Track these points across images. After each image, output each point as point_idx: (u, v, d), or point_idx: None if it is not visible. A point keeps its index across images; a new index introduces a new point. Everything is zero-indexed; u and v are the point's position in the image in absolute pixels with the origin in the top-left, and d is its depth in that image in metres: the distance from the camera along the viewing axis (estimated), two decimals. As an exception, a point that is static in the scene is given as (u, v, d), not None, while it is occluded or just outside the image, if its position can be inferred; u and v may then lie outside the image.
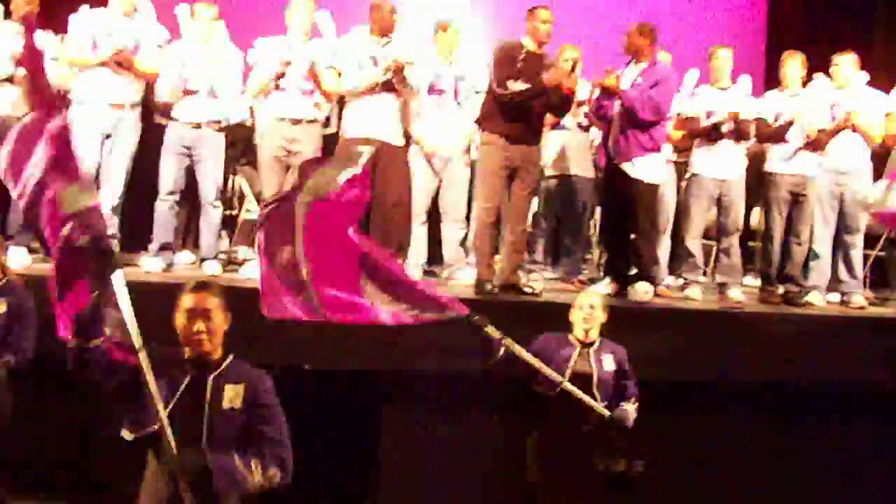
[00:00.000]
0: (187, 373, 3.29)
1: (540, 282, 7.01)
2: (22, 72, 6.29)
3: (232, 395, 3.27)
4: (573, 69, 6.25)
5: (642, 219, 6.57)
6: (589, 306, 4.97)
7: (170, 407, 3.19)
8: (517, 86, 6.16)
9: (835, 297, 7.21)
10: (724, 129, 6.85)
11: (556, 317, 5.15)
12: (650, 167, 6.51)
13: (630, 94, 6.38)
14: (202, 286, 3.37)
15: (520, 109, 6.22)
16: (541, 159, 6.70)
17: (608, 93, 6.47)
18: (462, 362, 5.20)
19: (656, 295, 6.64)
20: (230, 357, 3.38)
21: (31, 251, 6.44)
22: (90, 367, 3.19)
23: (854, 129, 6.90)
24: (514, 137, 6.25)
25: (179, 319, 3.30)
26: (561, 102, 6.37)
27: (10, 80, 6.40)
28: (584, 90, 7.00)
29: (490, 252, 6.37)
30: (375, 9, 6.62)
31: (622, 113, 6.44)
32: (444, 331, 5.70)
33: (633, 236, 6.67)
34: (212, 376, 3.29)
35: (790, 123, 6.89)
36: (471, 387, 5.63)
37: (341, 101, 6.78)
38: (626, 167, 6.45)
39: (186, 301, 3.30)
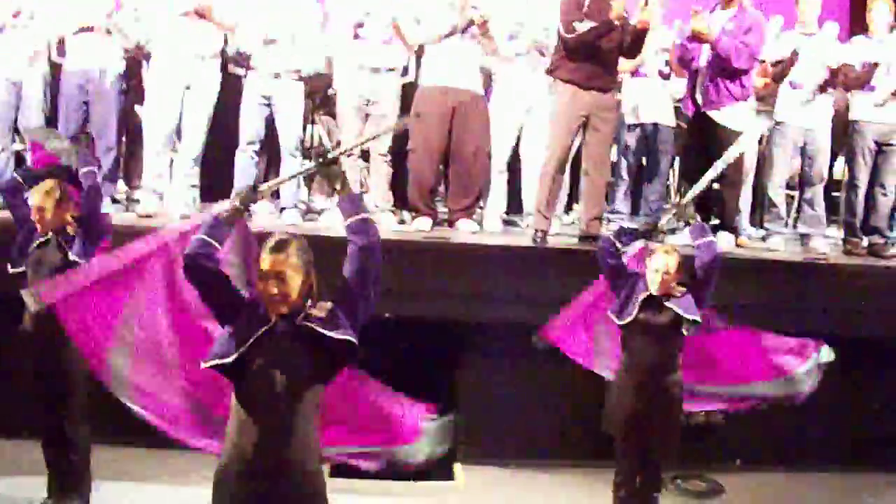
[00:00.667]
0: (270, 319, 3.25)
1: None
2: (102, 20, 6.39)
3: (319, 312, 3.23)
4: (646, 2, 6.01)
5: (730, 168, 6.47)
6: (664, 272, 4.55)
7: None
8: (583, 26, 6.05)
9: (923, 249, 7.04)
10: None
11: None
12: (739, 115, 6.42)
13: (725, 42, 6.26)
14: (278, 247, 3.18)
15: (590, 53, 6.09)
16: (617, 107, 6.56)
17: (697, 39, 6.34)
18: (536, 314, 5.20)
19: (737, 245, 6.55)
20: (309, 303, 3.23)
21: (115, 202, 6.57)
22: None
23: None
24: (585, 84, 6.15)
25: (256, 276, 3.21)
26: (633, 41, 6.16)
27: (89, 30, 6.45)
28: (665, 37, 6.90)
29: (549, 202, 6.25)
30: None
31: (712, 61, 6.33)
32: (521, 283, 5.80)
33: (716, 185, 6.57)
34: (296, 321, 3.23)
35: (875, 66, 6.71)
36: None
37: (419, 50, 6.74)
38: (716, 115, 6.36)
39: (263, 262, 3.17)
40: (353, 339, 3.14)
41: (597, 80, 6.17)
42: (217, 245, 3.29)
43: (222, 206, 3.36)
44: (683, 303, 4.56)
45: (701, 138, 6.55)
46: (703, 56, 6.53)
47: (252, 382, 3.12)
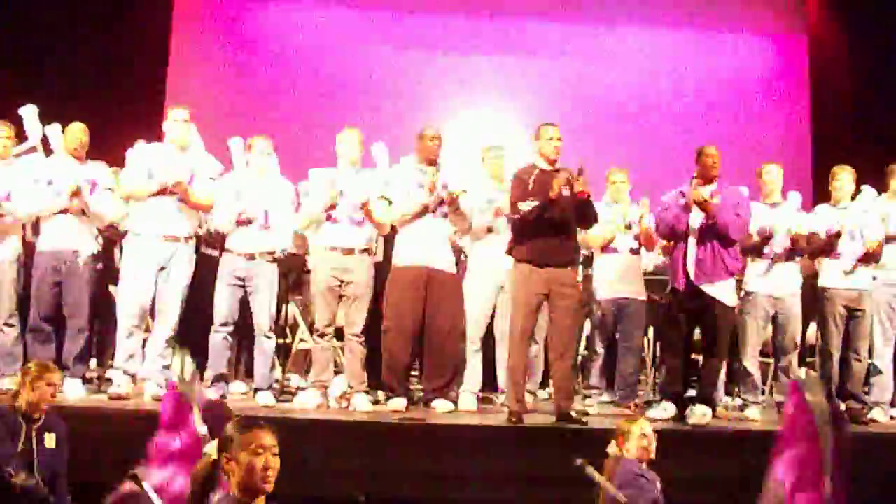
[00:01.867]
0: None
1: (595, 406, 6.94)
2: (75, 203, 6.45)
3: None
4: (580, 173, 6.13)
5: (721, 342, 6.50)
6: (649, 435, 4.77)
7: None
8: (526, 205, 6.15)
9: (899, 412, 7.03)
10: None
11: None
12: (729, 289, 6.50)
13: (726, 215, 6.36)
14: (263, 425, 3.20)
15: (539, 231, 6.17)
16: (576, 281, 6.54)
17: (702, 209, 6.36)
18: (507, 492, 5.11)
19: (714, 416, 6.51)
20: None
21: (86, 381, 6.51)
22: None
23: None
24: (540, 262, 6.20)
25: (243, 457, 3.16)
26: (582, 211, 6.27)
27: (64, 212, 6.52)
28: (632, 213, 7.03)
29: (520, 384, 6.22)
30: (420, 138, 6.73)
31: (704, 232, 6.41)
32: (487, 462, 5.72)
33: (697, 357, 6.59)
34: None
35: (838, 234, 6.83)
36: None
37: (391, 230, 6.82)
38: (709, 289, 6.40)
39: (266, 439, 3.14)
40: None
41: (552, 257, 6.21)
42: None
43: None
44: None
45: (690, 310, 6.52)
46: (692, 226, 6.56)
47: None
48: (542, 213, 6.13)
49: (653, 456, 4.80)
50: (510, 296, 6.43)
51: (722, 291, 6.42)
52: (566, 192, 6.17)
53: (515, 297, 6.30)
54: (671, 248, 6.73)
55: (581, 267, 7.62)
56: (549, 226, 6.18)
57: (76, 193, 6.45)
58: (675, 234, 6.55)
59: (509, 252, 6.39)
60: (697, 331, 6.69)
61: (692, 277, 6.41)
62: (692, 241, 6.45)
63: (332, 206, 6.50)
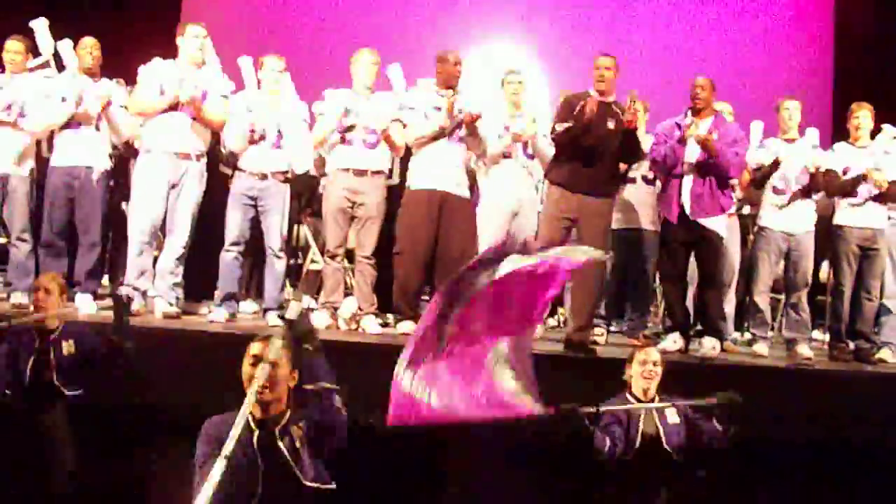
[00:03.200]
0: (253, 431, 3.29)
1: (603, 336, 6.94)
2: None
3: (299, 437, 3.28)
4: (631, 103, 6.09)
5: (718, 272, 6.50)
6: (653, 363, 4.81)
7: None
8: (561, 126, 6.14)
9: (908, 353, 7.03)
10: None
11: (617, 373, 5.06)
12: (721, 221, 6.48)
13: (726, 152, 6.32)
14: (267, 337, 3.39)
15: (577, 155, 6.16)
16: (609, 212, 6.49)
17: (702, 146, 6.32)
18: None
19: (723, 350, 6.52)
20: (291, 410, 3.38)
21: (97, 297, 6.54)
22: None
23: None
24: (573, 187, 6.19)
25: (245, 366, 3.32)
26: (627, 145, 6.26)
27: (77, 125, 6.52)
28: (648, 143, 6.96)
29: None
30: (441, 60, 6.66)
31: (702, 168, 6.37)
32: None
33: (698, 290, 6.58)
34: (277, 430, 3.31)
35: (862, 178, 6.76)
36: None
37: (406, 152, 6.79)
38: (704, 222, 6.38)
39: (253, 348, 3.34)
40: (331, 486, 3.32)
41: (585, 184, 6.19)
42: None
43: None
44: None
45: (686, 243, 6.52)
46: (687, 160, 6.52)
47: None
48: (578, 137, 6.11)
49: (652, 385, 4.81)
50: (541, 216, 6.44)
51: (716, 223, 6.40)
52: (611, 125, 6.12)
53: (544, 216, 6.34)
54: (664, 180, 6.69)
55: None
56: (586, 152, 6.15)
57: (106, 106, 6.46)
58: (668, 167, 6.52)
59: (546, 174, 6.38)
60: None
61: (687, 211, 6.39)
62: (688, 175, 6.42)
63: (351, 128, 6.47)
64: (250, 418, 3.29)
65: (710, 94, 6.50)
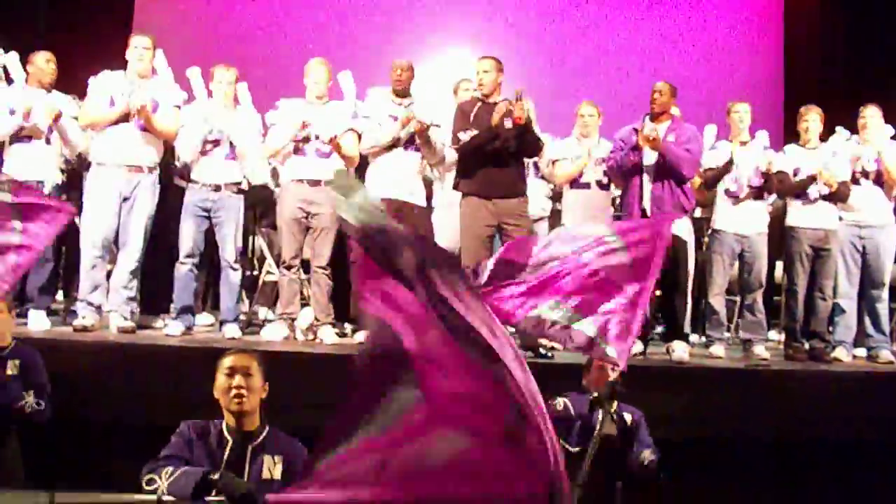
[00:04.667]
0: (227, 443, 3.30)
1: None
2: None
3: (270, 466, 3.28)
4: (518, 99, 6.11)
5: (681, 276, 6.54)
6: (610, 369, 4.76)
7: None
8: (465, 135, 6.17)
9: (861, 351, 7.12)
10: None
11: (572, 378, 5.07)
12: (684, 224, 6.54)
13: (677, 152, 6.37)
14: (244, 350, 3.53)
15: (485, 162, 6.19)
16: (527, 210, 6.51)
17: (653, 147, 6.38)
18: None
19: (679, 352, 6.56)
20: (268, 427, 3.39)
21: (51, 313, 6.47)
22: None
23: (877, 179, 6.90)
24: (488, 193, 6.22)
25: (220, 379, 3.37)
26: (524, 141, 6.27)
27: (28, 139, 6.46)
28: (604, 148, 6.99)
29: None
30: (394, 68, 6.67)
31: (660, 170, 6.42)
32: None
33: (664, 295, 6.63)
34: (251, 447, 3.31)
35: (813, 178, 6.84)
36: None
37: (363, 162, 6.78)
38: None
39: (228, 360, 3.41)
40: None
41: (499, 188, 6.24)
42: None
43: None
44: None
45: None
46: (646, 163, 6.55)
47: None
48: (484, 143, 6.15)
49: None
50: (461, 228, 6.43)
51: (678, 226, 6.45)
52: (508, 124, 6.18)
53: (465, 230, 6.32)
54: (625, 184, 6.72)
55: (550, 202, 7.60)
56: (492, 156, 6.19)
57: (56, 119, 6.38)
58: (624, 173, 6.59)
59: (456, 186, 6.40)
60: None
61: (649, 214, 6.44)
62: (647, 178, 6.47)
63: (306, 140, 6.46)
64: (226, 428, 3.32)
65: (668, 98, 6.58)
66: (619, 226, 4.60)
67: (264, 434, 3.40)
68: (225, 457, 3.29)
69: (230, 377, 3.35)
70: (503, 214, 6.22)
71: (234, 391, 3.31)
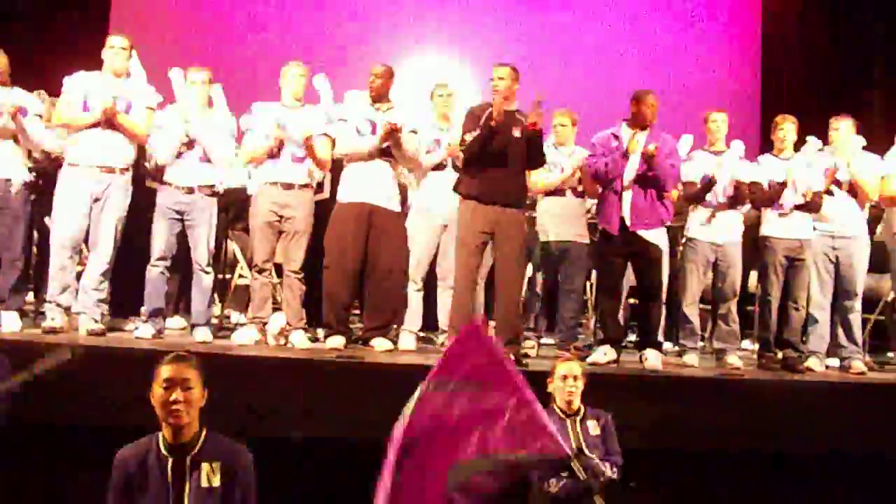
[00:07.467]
0: (167, 462, 3.23)
1: (535, 349, 6.95)
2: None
3: (209, 474, 3.22)
4: (534, 106, 6.10)
5: (655, 284, 6.54)
6: (573, 377, 4.87)
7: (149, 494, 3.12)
8: (470, 135, 6.14)
9: (834, 362, 7.13)
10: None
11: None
12: (661, 233, 6.54)
13: (665, 166, 6.37)
14: (180, 357, 3.34)
15: (486, 165, 6.16)
16: (523, 222, 6.51)
17: (647, 159, 6.35)
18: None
19: (652, 361, 6.56)
20: (205, 432, 3.33)
21: (23, 315, 6.39)
22: None
23: (851, 190, 6.90)
24: (487, 199, 6.19)
25: (157, 391, 3.25)
26: (529, 147, 6.26)
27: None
28: (580, 156, 6.98)
29: (463, 323, 6.17)
30: (372, 74, 6.63)
31: (642, 180, 6.41)
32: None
33: (640, 303, 6.62)
34: (189, 459, 3.25)
35: (783, 185, 6.86)
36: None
37: (335, 166, 6.74)
38: (645, 234, 6.42)
39: (165, 371, 3.26)
40: None
41: (499, 195, 6.20)
42: None
43: None
44: None
45: (626, 255, 6.55)
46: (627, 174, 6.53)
47: None
48: (486, 143, 6.10)
49: (574, 399, 4.86)
50: (457, 231, 6.40)
51: (656, 236, 6.45)
52: (517, 134, 6.13)
53: (459, 234, 6.28)
54: (602, 192, 6.69)
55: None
56: (495, 160, 6.16)
57: (14, 116, 6.27)
58: (607, 179, 6.54)
59: (456, 188, 6.36)
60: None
61: (628, 223, 6.42)
62: (627, 187, 6.45)
63: (280, 145, 6.42)
64: (163, 444, 3.25)
65: (650, 108, 6.51)
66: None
67: (201, 441, 3.31)
68: (168, 478, 3.23)
69: (168, 390, 3.22)
70: (500, 222, 6.18)
71: (172, 406, 3.20)
